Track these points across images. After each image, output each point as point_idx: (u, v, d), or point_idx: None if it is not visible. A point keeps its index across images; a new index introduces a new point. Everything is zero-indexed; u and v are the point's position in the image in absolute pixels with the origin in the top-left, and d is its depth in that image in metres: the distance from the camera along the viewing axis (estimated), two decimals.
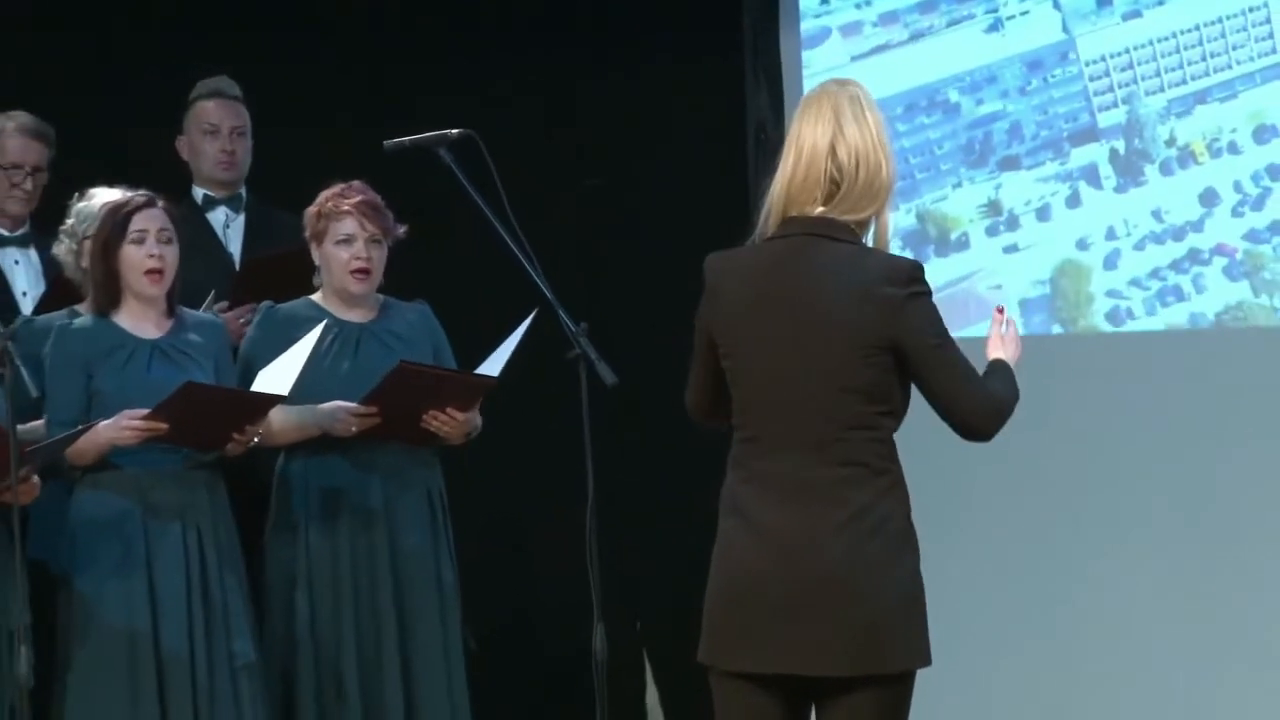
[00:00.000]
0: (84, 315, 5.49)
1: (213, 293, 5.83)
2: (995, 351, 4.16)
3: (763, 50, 6.87)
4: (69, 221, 5.50)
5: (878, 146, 4.01)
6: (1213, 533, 6.38)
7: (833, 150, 3.99)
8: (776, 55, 6.82)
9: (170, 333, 5.48)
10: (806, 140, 4.00)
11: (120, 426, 5.29)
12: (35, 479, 5.17)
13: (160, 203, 5.50)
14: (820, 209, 3.99)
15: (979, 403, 4.01)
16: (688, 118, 6.82)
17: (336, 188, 5.71)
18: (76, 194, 5.56)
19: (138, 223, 5.41)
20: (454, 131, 5.34)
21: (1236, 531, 6.35)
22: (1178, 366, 6.38)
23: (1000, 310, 4.22)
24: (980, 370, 4.14)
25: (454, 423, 5.62)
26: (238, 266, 6.24)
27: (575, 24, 7.01)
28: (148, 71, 6.69)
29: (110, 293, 5.43)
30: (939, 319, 4.00)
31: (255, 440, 5.47)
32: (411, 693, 5.66)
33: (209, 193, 6.30)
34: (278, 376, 5.42)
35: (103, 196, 5.49)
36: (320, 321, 5.62)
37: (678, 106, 6.80)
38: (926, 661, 4.01)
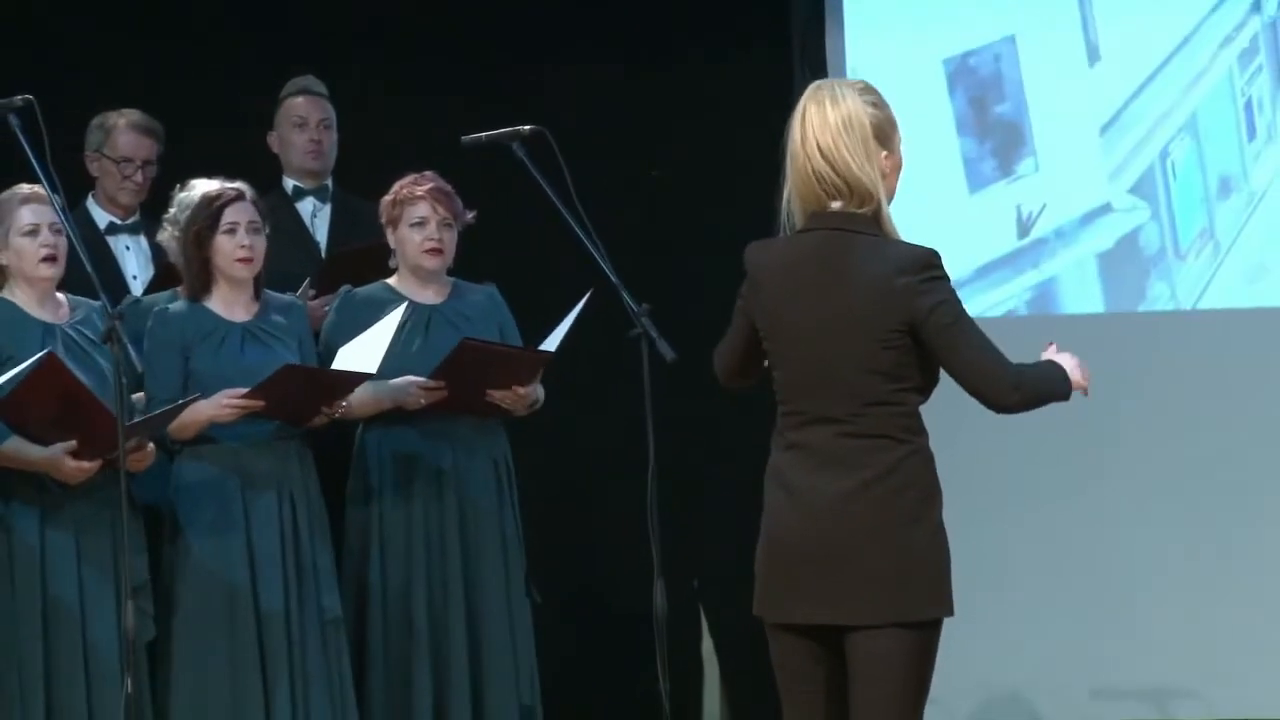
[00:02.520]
0: (179, 300, 5.67)
1: (308, 279, 6.01)
2: (1056, 357, 4.24)
3: (810, 47, 6.95)
4: (171, 210, 5.66)
5: (844, 137, 4.08)
6: (1229, 494, 6.73)
7: (808, 145, 4.09)
8: (823, 51, 6.93)
9: (257, 316, 5.67)
10: (794, 147, 4.11)
11: (220, 405, 5.50)
12: (150, 446, 5.37)
13: (249, 195, 5.65)
14: (838, 204, 4.11)
15: (993, 374, 4.08)
16: (741, 112, 6.77)
17: (410, 176, 5.88)
18: (178, 184, 5.71)
19: (229, 215, 5.59)
20: (526, 128, 5.53)
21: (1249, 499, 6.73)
22: (1187, 346, 6.85)
23: (1053, 345, 4.28)
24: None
25: (515, 396, 5.80)
26: (324, 253, 6.35)
27: (635, 25, 7.05)
28: (243, 73, 6.86)
29: (203, 279, 5.63)
30: (955, 300, 4.09)
31: (339, 414, 5.66)
32: (478, 646, 5.82)
33: (298, 184, 6.46)
34: (363, 355, 5.59)
35: (202, 187, 5.65)
36: (398, 303, 5.76)
37: (732, 101, 6.83)
38: (949, 611, 4.12)
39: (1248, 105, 7.04)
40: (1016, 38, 7.05)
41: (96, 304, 5.49)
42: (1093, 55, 7.09)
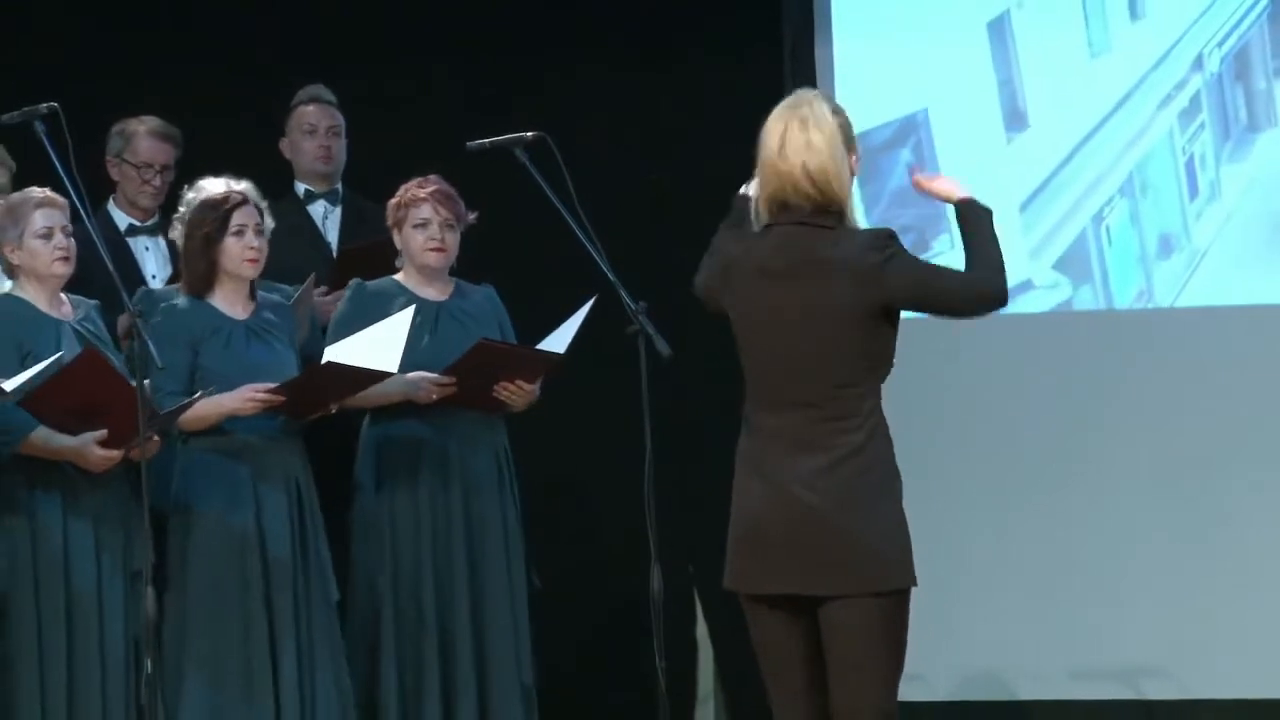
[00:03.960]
0: (181, 297, 5.77)
1: (312, 275, 6.12)
2: (953, 190, 4.42)
3: (800, 60, 7.04)
4: (181, 209, 5.77)
5: (828, 158, 4.28)
6: (1200, 485, 6.84)
7: (790, 162, 4.29)
8: (812, 64, 7.04)
9: (254, 313, 5.80)
10: (769, 156, 4.32)
11: (244, 399, 5.63)
12: (156, 437, 5.50)
13: (252, 198, 5.75)
14: (805, 204, 4.30)
15: (980, 288, 4.30)
16: (733, 117, 6.36)
17: (415, 180, 5.97)
18: (186, 185, 5.81)
19: (238, 218, 5.71)
20: (529, 134, 5.67)
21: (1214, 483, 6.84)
22: (1163, 342, 6.95)
23: (912, 169, 4.52)
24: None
25: (521, 393, 5.94)
26: (335, 252, 6.49)
27: (635, 36, 7.15)
28: (254, 79, 7.00)
29: (208, 279, 5.74)
30: (916, 260, 4.33)
31: (335, 409, 5.79)
32: (481, 630, 5.94)
33: (309, 187, 6.61)
34: (379, 352, 5.67)
35: (210, 186, 5.75)
36: (406, 297, 5.89)
37: (725, 106, 6.79)
38: (912, 581, 4.29)
39: (1189, 163, 7.00)
40: (929, 110, 7.02)
41: (93, 302, 5.69)
42: (1018, 124, 7.01)
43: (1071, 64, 7.05)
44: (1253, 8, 6.99)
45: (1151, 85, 7.03)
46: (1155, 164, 7.04)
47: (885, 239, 4.30)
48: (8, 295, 5.65)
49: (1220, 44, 7.01)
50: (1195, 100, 7.01)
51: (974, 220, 4.38)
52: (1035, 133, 7.05)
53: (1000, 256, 4.34)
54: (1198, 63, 7.02)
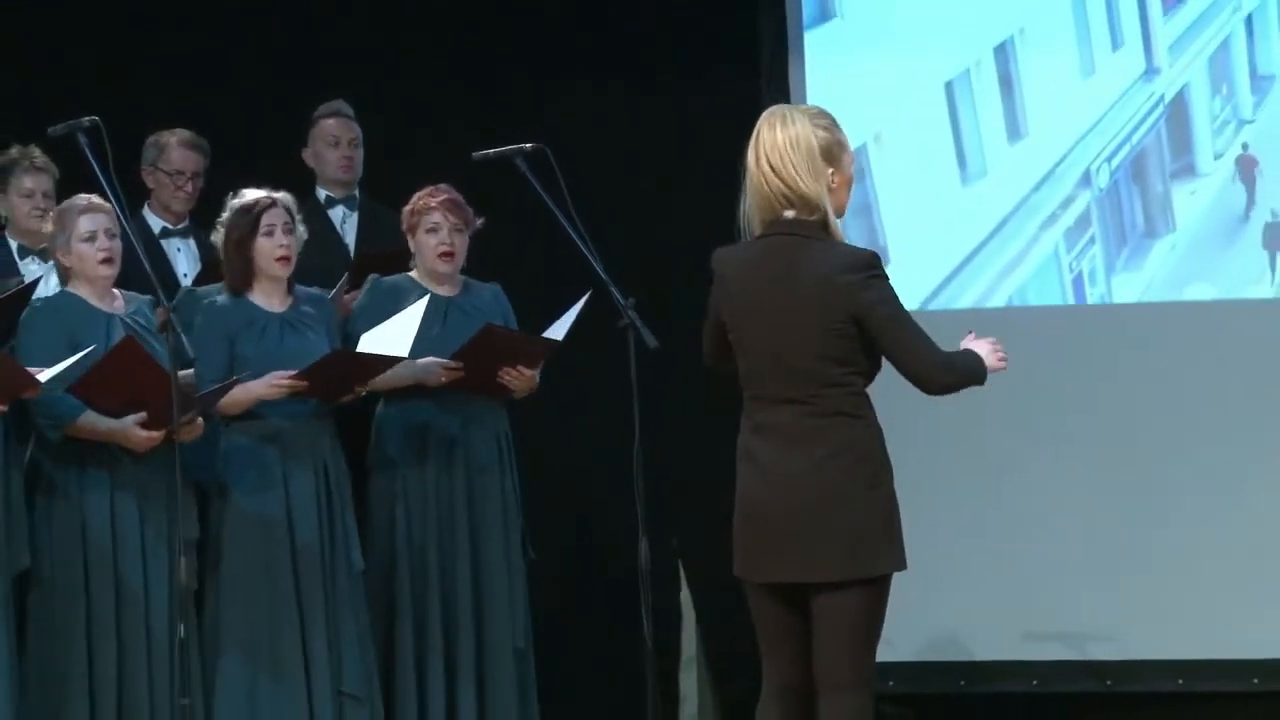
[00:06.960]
0: (223, 295, 6.05)
1: (345, 278, 6.41)
2: (973, 345, 4.55)
3: (775, 75, 7.26)
4: (225, 214, 6.06)
5: (790, 155, 4.36)
6: (1142, 467, 7.06)
7: (761, 166, 4.41)
8: (786, 82, 7.23)
9: (291, 307, 6.08)
10: (750, 164, 4.45)
11: (270, 384, 5.91)
12: (200, 420, 5.77)
13: (281, 201, 6.01)
14: (791, 212, 4.43)
15: (925, 359, 4.39)
16: (715, 133, 6.60)
17: (427, 188, 6.26)
18: (232, 192, 6.05)
19: (267, 219, 5.99)
20: (528, 145, 5.94)
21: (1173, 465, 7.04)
22: (1122, 336, 7.07)
23: (971, 333, 4.57)
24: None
25: (523, 378, 6.22)
26: (352, 254, 6.72)
27: (631, 57, 7.37)
28: (276, 96, 7.21)
29: (245, 277, 6.03)
30: (893, 295, 4.40)
31: (364, 392, 6.07)
32: (480, 595, 6.22)
33: (329, 194, 6.88)
34: (392, 340, 5.96)
35: (253, 194, 6.03)
36: (419, 292, 6.17)
37: (707, 122, 7.01)
38: (902, 566, 4.44)
39: (1077, 280, 6.76)
40: None
41: (145, 298, 5.96)
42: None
43: (941, 192, 6.76)
44: (1146, 116, 6.70)
45: (1033, 206, 6.69)
46: (1039, 284, 6.77)
47: (868, 262, 4.38)
48: (62, 292, 5.97)
49: (1110, 158, 6.72)
50: (1084, 216, 6.68)
51: (967, 353, 4.51)
52: (898, 268, 6.73)
53: (963, 379, 4.43)
54: (1085, 179, 6.72)
